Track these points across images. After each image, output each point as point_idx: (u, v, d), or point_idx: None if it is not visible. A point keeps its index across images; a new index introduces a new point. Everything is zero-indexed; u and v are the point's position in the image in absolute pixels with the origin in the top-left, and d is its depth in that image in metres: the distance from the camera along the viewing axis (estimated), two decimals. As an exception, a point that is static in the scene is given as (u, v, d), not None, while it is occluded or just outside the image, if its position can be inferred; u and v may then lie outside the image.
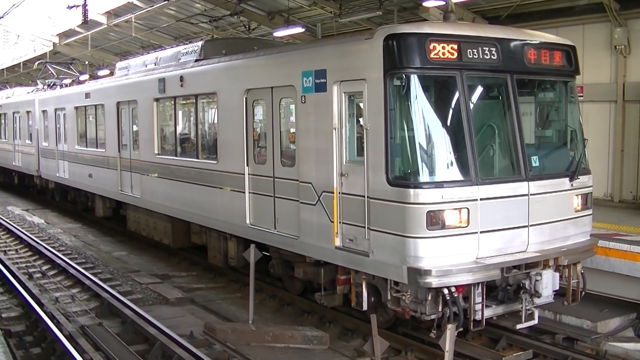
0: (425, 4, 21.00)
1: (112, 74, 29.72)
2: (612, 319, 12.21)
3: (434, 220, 9.60)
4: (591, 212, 11.45)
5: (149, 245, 20.01)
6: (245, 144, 13.27)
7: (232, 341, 11.39)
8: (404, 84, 9.84)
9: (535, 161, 10.61)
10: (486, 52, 10.17)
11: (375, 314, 9.93)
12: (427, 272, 9.52)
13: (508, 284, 10.52)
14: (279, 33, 26.21)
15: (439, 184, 9.70)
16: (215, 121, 14.72)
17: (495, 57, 10.25)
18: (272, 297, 14.45)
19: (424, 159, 9.82)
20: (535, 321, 10.81)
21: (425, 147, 9.82)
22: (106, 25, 35.22)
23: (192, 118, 16.09)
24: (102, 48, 41.56)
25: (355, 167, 10.59)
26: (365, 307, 11.05)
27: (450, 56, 9.88)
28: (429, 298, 9.89)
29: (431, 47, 9.77)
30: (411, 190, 9.63)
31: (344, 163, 10.84)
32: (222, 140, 14.21)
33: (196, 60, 15.43)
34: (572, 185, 10.93)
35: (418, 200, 9.58)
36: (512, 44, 10.54)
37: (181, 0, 28.25)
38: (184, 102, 16.44)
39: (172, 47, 18.02)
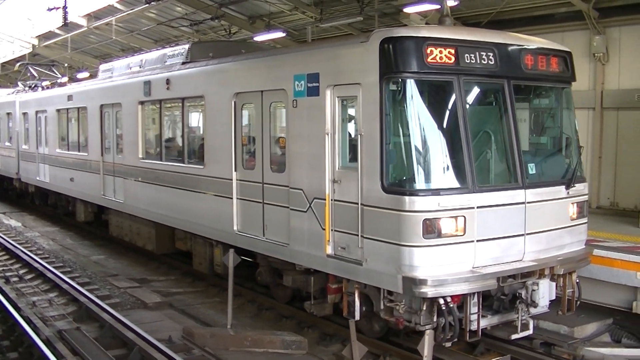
0: (406, 10, 20.61)
1: (91, 76, 29.06)
2: (589, 324, 12.05)
3: (430, 229, 9.19)
4: (586, 221, 11.14)
5: (128, 249, 19.55)
6: (233, 149, 12.78)
7: (211, 346, 11.17)
8: (400, 88, 9.42)
9: (532, 169, 10.25)
10: (483, 57, 9.78)
11: (353, 319, 9.81)
12: (423, 282, 9.10)
13: (503, 293, 10.14)
14: (260, 37, 25.78)
15: (436, 192, 9.30)
16: (203, 125, 14.23)
17: (492, 62, 9.86)
18: (251, 301, 14.16)
19: (421, 166, 9.41)
20: (530, 331, 10.45)
21: (421, 154, 9.42)
22: (86, 28, 34.51)
23: (178, 122, 15.62)
24: (82, 50, 40.80)
25: (348, 174, 10.15)
26: (357, 317, 10.60)
27: (447, 61, 9.47)
28: (424, 308, 9.48)
29: (428, 51, 9.36)
30: (407, 198, 9.22)
31: (337, 169, 10.40)
32: (209, 145, 13.72)
33: (183, 63, 14.96)
34: (568, 193, 10.59)
35: (414, 207, 9.17)
36: (510, 49, 10.16)
37: (162, 3, 27.67)
38: (170, 105, 15.94)
39: (157, 49, 17.56)
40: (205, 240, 14.56)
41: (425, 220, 9.14)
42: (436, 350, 9.74)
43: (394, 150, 9.51)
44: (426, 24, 20.45)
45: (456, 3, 18.94)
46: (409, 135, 9.37)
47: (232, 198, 12.84)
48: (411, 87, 9.38)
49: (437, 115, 9.74)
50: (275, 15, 26.81)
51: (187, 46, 15.33)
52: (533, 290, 9.88)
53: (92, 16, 33.56)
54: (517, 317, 10.07)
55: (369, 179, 9.68)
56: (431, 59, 9.35)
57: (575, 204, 10.73)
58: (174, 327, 12.15)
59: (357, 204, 9.90)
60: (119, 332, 11.37)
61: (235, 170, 12.78)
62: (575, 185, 10.68)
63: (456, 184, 9.50)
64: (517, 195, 9.91)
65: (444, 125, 9.72)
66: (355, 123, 10.14)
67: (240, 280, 14.18)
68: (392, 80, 9.41)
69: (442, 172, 9.55)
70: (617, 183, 18.86)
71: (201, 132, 14.52)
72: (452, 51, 9.48)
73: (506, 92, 10.06)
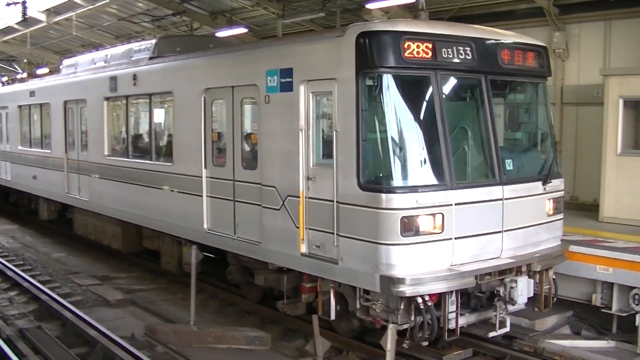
0: (368, 5, 20.25)
1: (51, 72, 28.14)
2: (549, 317, 11.90)
3: (408, 226, 8.80)
4: (562, 217, 10.84)
5: (89, 247, 18.94)
6: (203, 146, 12.25)
7: (174, 342, 10.95)
8: (377, 83, 9.01)
9: (509, 164, 9.91)
10: (461, 51, 9.39)
11: (316, 315, 9.51)
12: (401, 281, 8.72)
13: (481, 291, 9.77)
14: (222, 33, 25.16)
15: (414, 189, 8.92)
16: (171, 121, 13.66)
17: (469, 57, 9.48)
18: (213, 297, 13.88)
19: (398, 162, 9.01)
20: (508, 328, 10.11)
21: (399, 150, 9.02)
22: (46, 23, 33.51)
23: (145, 118, 14.99)
24: (42, 46, 39.72)
25: (323, 171, 9.72)
26: (333, 317, 10.21)
27: (425, 55, 9.06)
28: (402, 307, 9.10)
29: (406, 45, 8.94)
30: (384, 195, 8.82)
31: (311, 166, 9.96)
32: (178, 142, 13.17)
33: (150, 58, 14.34)
34: (545, 189, 10.28)
35: (391, 205, 8.77)
36: (487, 43, 9.81)
37: (123, -2, 27.00)
38: (137, 101, 15.31)
39: (123, 44, 16.93)
40: (174, 239, 14.02)
41: (403, 218, 8.76)
42: (399, 345, 9.31)
43: (371, 147, 9.11)
44: (388, 19, 20.12)
45: (420, -3, 18.67)
46: (385, 131, 8.98)
47: (202, 196, 12.32)
48: (388, 82, 8.98)
49: (415, 111, 9.34)
50: (237, 11, 26.24)
51: (154, 41, 14.73)
52: (511, 287, 9.54)
53: (52, 11, 32.56)
54: (495, 315, 9.74)
55: (344, 176, 9.27)
56: (408, 54, 8.95)
57: (551, 200, 10.45)
58: (137, 324, 11.87)
59: (333, 201, 9.49)
60: (81, 330, 11.09)
61: (205, 168, 12.26)
62: (552, 181, 10.40)
63: (434, 181, 9.13)
64: (495, 191, 9.58)
65: (422, 121, 9.33)
66: (330, 119, 9.71)
67: (203, 276, 13.86)
68: (368, 75, 9.01)
69: (419, 169, 9.20)
70: (577, 177, 18.73)
71: (170, 128, 13.97)
72: (430, 46, 9.08)
73: (483, 87, 9.71)
